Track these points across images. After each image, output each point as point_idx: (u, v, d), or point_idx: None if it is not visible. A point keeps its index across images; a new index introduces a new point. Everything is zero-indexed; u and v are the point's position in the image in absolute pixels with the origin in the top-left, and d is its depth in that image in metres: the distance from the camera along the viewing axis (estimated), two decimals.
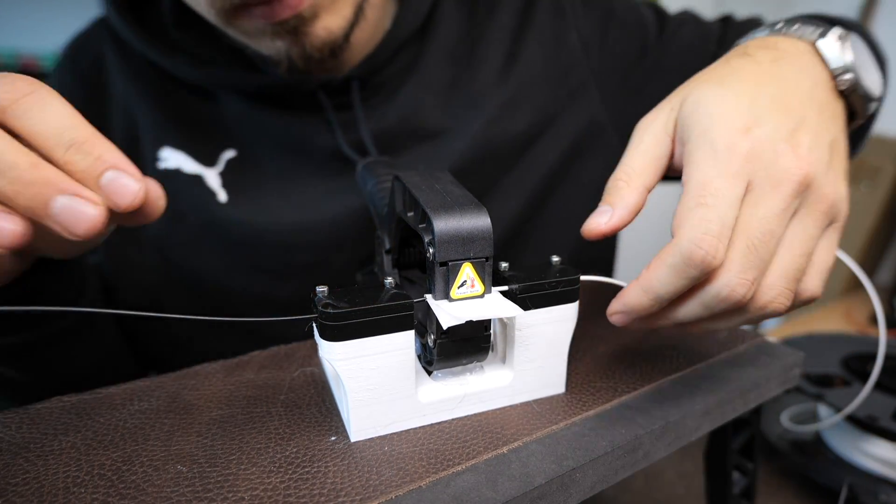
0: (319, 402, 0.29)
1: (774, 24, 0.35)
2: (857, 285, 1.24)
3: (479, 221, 0.25)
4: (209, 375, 0.32)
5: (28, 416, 0.27)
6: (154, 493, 0.22)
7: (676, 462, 0.53)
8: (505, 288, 0.26)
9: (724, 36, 0.53)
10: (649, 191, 0.31)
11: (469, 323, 0.25)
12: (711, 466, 0.39)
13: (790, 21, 0.34)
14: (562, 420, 0.27)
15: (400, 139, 0.47)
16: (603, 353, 0.34)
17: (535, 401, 0.29)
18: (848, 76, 0.31)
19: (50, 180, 0.22)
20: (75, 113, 0.23)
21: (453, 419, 0.27)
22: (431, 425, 0.26)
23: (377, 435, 0.26)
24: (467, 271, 0.25)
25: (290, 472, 0.23)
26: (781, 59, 0.30)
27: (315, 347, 0.35)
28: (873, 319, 1.04)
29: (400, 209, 0.30)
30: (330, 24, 0.40)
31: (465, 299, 0.25)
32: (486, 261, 0.26)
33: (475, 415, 0.27)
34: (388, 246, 0.34)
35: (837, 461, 0.49)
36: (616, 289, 0.46)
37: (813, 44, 0.32)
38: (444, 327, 0.23)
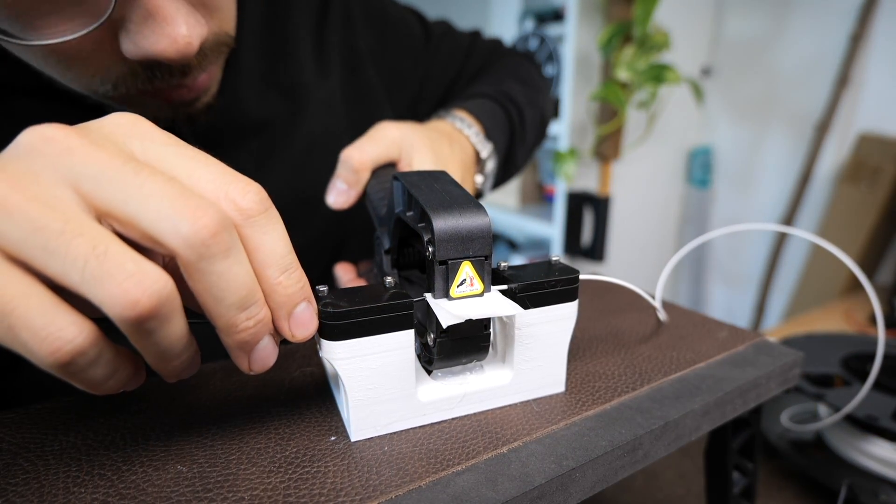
0: (319, 402, 0.29)
1: (470, 108, 0.51)
2: (857, 285, 1.24)
3: (479, 220, 0.25)
4: (209, 376, 0.32)
5: (28, 416, 0.27)
6: (154, 492, 0.22)
7: (676, 462, 0.53)
8: (504, 287, 0.27)
9: (472, 48, 0.62)
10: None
11: (468, 322, 0.25)
12: (711, 466, 0.39)
13: (473, 112, 0.51)
14: (561, 420, 0.27)
15: (223, 136, 0.45)
16: (602, 353, 0.34)
17: (535, 400, 0.29)
18: (480, 179, 0.50)
19: (268, 320, 0.22)
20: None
21: (453, 419, 0.27)
22: (431, 425, 0.26)
23: (377, 434, 0.26)
24: (466, 270, 0.25)
25: (289, 471, 0.23)
26: (466, 159, 0.47)
27: (315, 347, 0.35)
28: (873, 319, 1.05)
29: (399, 209, 0.30)
30: (213, 87, 0.39)
31: (465, 298, 0.25)
32: (486, 259, 0.26)
33: (475, 415, 0.27)
34: (387, 246, 0.34)
35: (837, 461, 0.49)
36: (617, 288, 0.46)
37: (477, 152, 0.49)
38: (444, 326, 0.23)
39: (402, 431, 0.26)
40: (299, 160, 0.48)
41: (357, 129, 0.51)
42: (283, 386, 0.30)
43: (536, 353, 0.28)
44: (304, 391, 0.30)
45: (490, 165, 0.51)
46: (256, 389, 0.30)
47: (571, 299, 0.28)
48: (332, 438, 0.25)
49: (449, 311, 0.24)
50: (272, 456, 0.24)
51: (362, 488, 0.22)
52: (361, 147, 0.40)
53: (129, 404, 0.29)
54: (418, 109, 0.60)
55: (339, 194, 0.39)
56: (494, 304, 0.25)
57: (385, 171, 0.40)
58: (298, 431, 0.26)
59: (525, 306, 0.27)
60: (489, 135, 0.51)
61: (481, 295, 0.26)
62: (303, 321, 0.22)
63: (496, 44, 0.66)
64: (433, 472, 0.23)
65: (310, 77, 0.49)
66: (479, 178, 0.50)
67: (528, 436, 0.25)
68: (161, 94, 0.34)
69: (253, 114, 0.46)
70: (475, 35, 0.65)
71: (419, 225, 0.27)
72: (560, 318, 0.28)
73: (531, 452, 0.24)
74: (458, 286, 0.25)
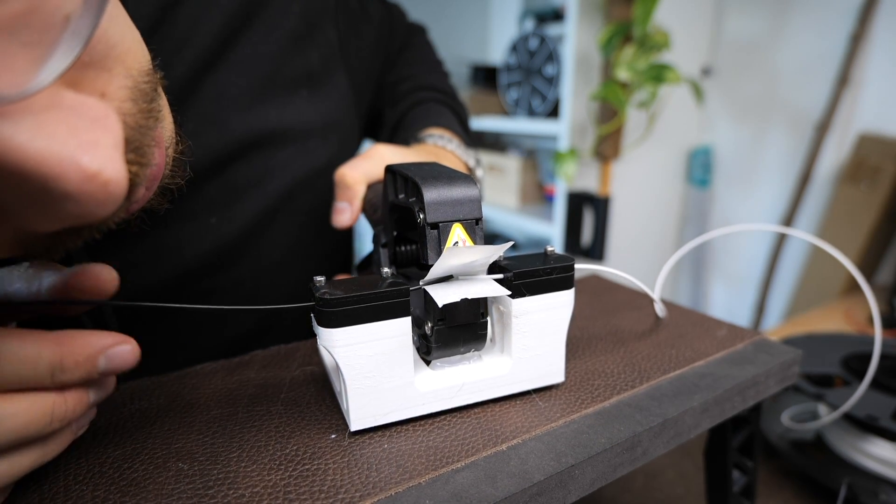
0: (320, 401, 0.29)
1: (437, 122, 0.51)
2: (857, 285, 1.24)
3: (467, 187, 0.26)
4: (210, 374, 0.32)
5: None
6: (155, 490, 0.22)
7: (676, 462, 0.53)
8: (500, 276, 0.27)
9: (392, 24, 0.59)
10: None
11: (465, 306, 0.25)
12: (711, 465, 0.39)
13: (439, 125, 0.51)
14: (561, 417, 0.27)
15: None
16: (602, 351, 0.34)
17: (535, 398, 0.29)
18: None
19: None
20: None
21: (453, 415, 0.27)
22: (431, 423, 0.27)
23: (376, 424, 0.26)
24: (458, 232, 0.26)
25: (290, 469, 0.23)
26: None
27: (315, 347, 0.36)
28: (873, 320, 1.04)
29: (392, 196, 0.31)
30: (171, 148, 0.26)
31: (459, 280, 0.26)
32: (477, 223, 0.26)
33: (475, 412, 0.27)
34: (384, 240, 0.34)
35: (837, 461, 0.49)
36: (616, 288, 0.46)
37: (465, 163, 0.49)
38: (440, 304, 0.24)
39: (402, 429, 0.26)
40: (274, 206, 0.43)
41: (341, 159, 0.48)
42: (284, 384, 0.30)
43: (534, 342, 0.28)
44: (305, 390, 0.30)
45: (479, 173, 0.51)
46: (257, 388, 0.30)
47: (567, 287, 0.28)
48: (333, 436, 0.26)
49: (445, 292, 0.24)
50: (272, 453, 0.24)
51: (362, 485, 0.22)
52: (353, 164, 0.40)
53: (131, 403, 0.29)
54: (379, 95, 0.57)
55: (341, 213, 0.40)
56: (488, 286, 0.25)
57: (379, 185, 0.40)
58: (299, 429, 0.26)
59: (521, 294, 0.27)
60: (467, 143, 0.51)
61: None
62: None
63: (402, 14, 0.62)
64: (433, 468, 0.23)
65: (286, 107, 0.43)
66: None
67: (528, 433, 0.26)
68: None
69: (210, 152, 0.39)
70: (386, 5, 0.60)
71: (411, 199, 0.27)
72: (557, 307, 0.28)
73: (530, 450, 0.25)
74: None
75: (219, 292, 0.43)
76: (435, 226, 0.25)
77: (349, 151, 0.51)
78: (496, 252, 0.25)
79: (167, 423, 0.27)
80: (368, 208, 0.39)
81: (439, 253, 0.25)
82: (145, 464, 0.24)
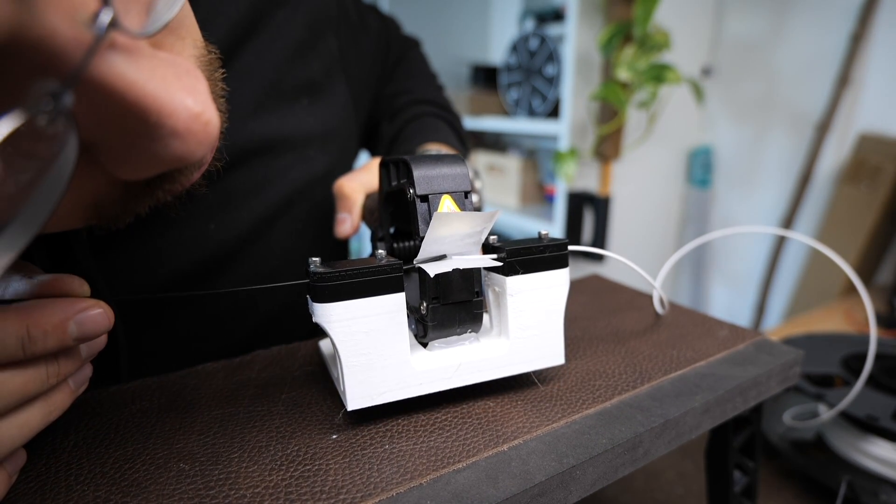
0: (321, 401, 0.29)
1: (433, 138, 0.52)
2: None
3: (456, 163, 0.27)
4: (211, 374, 0.32)
5: None
6: (156, 490, 0.22)
7: (677, 462, 0.53)
8: (494, 256, 0.27)
9: (388, 38, 0.60)
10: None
11: (459, 282, 0.26)
12: (712, 465, 0.39)
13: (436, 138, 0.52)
14: (562, 418, 0.27)
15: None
16: (603, 352, 0.34)
17: (535, 398, 0.29)
18: (476, 198, 0.48)
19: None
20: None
21: (454, 415, 0.27)
22: (432, 424, 0.27)
23: (373, 403, 0.26)
24: (447, 203, 0.26)
25: (291, 469, 0.23)
26: None
27: (316, 347, 0.36)
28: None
29: (387, 186, 0.31)
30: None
31: (451, 259, 0.26)
32: (466, 196, 0.26)
33: (475, 413, 0.27)
34: (380, 234, 0.35)
35: (838, 461, 0.49)
36: (617, 288, 0.46)
37: None
38: (432, 275, 0.24)
39: (403, 429, 0.26)
40: (273, 214, 0.42)
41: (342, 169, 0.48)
42: (285, 385, 0.30)
43: (531, 322, 0.28)
44: (306, 390, 0.30)
45: (478, 184, 0.51)
46: (258, 388, 0.30)
47: (562, 266, 0.28)
48: (334, 437, 0.25)
49: (437, 266, 0.25)
50: (273, 454, 0.24)
51: (363, 486, 0.22)
52: (350, 176, 0.41)
53: (132, 403, 0.29)
54: (377, 107, 0.58)
55: (342, 223, 0.40)
56: (479, 259, 0.26)
57: (377, 194, 0.41)
58: (300, 430, 0.26)
59: (515, 271, 0.27)
60: (464, 156, 0.51)
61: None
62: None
63: (397, 28, 0.63)
64: (434, 469, 0.23)
65: (288, 115, 0.43)
66: (474, 198, 0.50)
67: (529, 433, 0.25)
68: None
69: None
70: (383, 17, 0.60)
71: (402, 181, 0.28)
72: (552, 286, 0.28)
73: (532, 450, 0.25)
74: None
75: (216, 297, 0.42)
76: (424, 198, 0.26)
77: (348, 160, 0.51)
78: (486, 220, 0.25)
79: (168, 423, 0.27)
80: (367, 215, 0.39)
81: (429, 224, 0.25)
82: (146, 464, 0.24)
